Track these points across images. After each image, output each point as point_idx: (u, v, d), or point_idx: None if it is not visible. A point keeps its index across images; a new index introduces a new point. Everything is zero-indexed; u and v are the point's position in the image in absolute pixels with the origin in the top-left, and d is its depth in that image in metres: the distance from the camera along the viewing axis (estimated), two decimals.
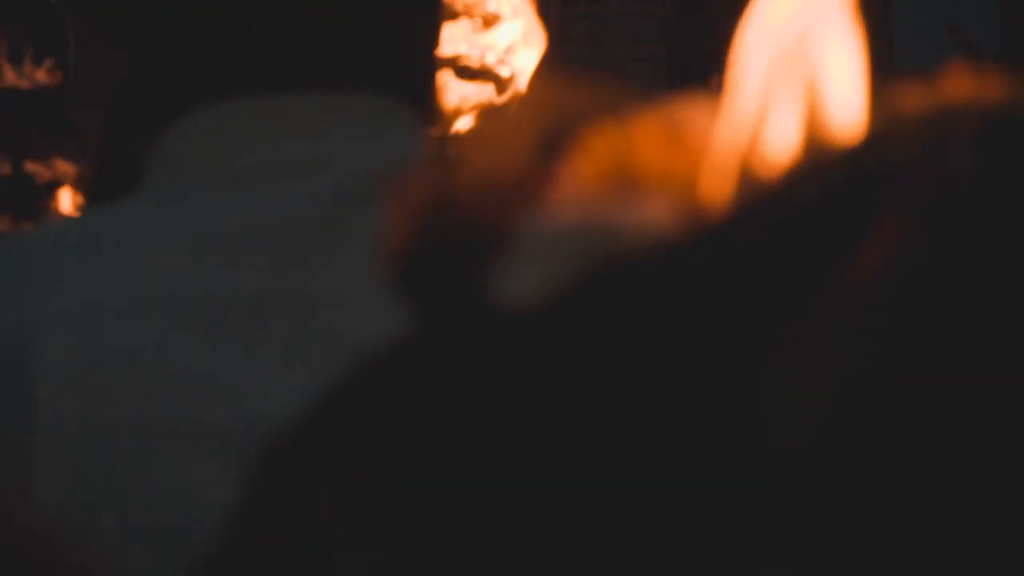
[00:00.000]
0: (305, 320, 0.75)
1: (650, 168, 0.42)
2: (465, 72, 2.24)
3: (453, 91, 2.31)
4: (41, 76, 2.96)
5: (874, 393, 0.33)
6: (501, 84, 2.29)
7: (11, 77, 2.96)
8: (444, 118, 2.36)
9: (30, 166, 2.89)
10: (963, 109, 0.35)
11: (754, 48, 0.42)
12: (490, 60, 2.20)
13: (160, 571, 0.66)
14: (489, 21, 2.17)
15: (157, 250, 0.75)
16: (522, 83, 2.40)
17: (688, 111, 0.44)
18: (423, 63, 0.92)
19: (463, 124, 2.25)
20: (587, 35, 6.18)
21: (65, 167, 2.89)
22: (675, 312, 0.35)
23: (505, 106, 2.55)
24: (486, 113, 2.38)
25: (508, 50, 2.22)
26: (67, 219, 0.91)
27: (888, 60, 3.76)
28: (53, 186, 2.84)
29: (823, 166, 0.36)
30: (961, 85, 0.39)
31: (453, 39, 2.30)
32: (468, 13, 2.16)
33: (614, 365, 0.35)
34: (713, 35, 5.64)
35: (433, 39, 0.93)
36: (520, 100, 2.59)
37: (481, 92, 2.28)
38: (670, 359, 0.35)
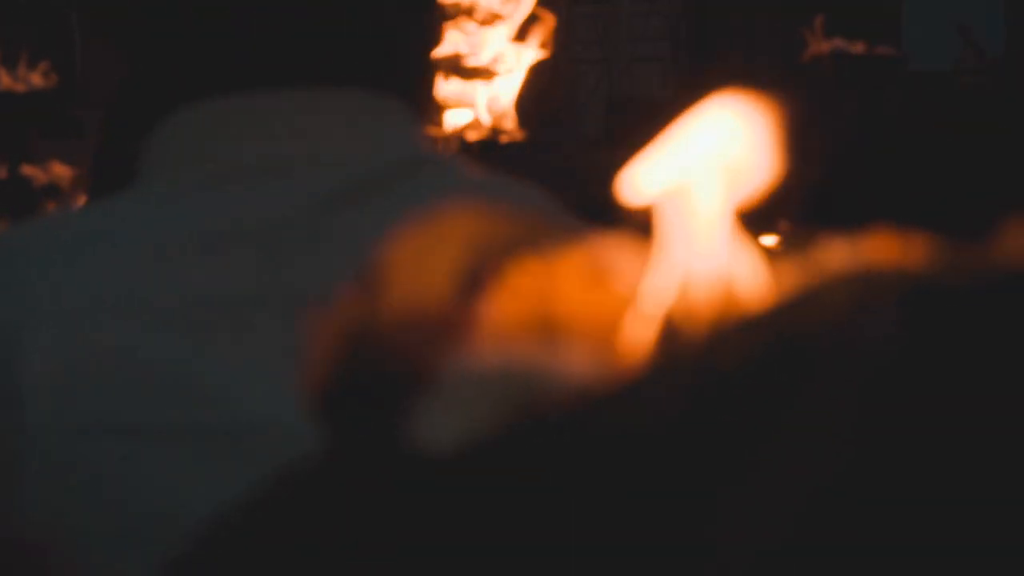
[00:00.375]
0: (293, 320, 0.75)
1: (571, 309, 0.42)
2: (464, 71, 2.24)
3: (451, 90, 2.31)
4: (36, 79, 2.97)
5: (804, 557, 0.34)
6: (498, 83, 2.29)
7: (6, 80, 2.96)
8: (442, 116, 2.36)
9: (27, 169, 2.90)
10: (887, 275, 0.36)
11: (677, 196, 0.42)
12: (488, 59, 2.21)
13: (143, 572, 0.66)
14: (487, 21, 2.17)
15: (147, 249, 0.75)
16: (518, 83, 2.40)
17: (611, 251, 0.44)
18: (420, 61, 0.91)
19: (460, 122, 2.26)
20: (594, 35, 6.17)
21: (61, 170, 2.90)
22: (588, 470, 0.35)
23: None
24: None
25: (506, 49, 2.22)
26: (57, 217, 0.91)
27: (896, 61, 3.74)
28: (49, 189, 2.84)
29: (748, 327, 0.36)
30: (884, 248, 0.39)
31: (452, 38, 2.30)
32: (467, 13, 2.16)
33: (521, 521, 0.35)
34: (720, 35, 5.63)
35: (430, 37, 0.93)
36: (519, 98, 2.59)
37: (479, 91, 2.28)
38: (581, 518, 0.35)
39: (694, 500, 0.34)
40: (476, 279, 0.43)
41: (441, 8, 0.95)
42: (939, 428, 0.34)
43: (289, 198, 0.79)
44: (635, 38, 6.08)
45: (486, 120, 2.24)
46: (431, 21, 0.92)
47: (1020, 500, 0.33)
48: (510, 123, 2.26)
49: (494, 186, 0.90)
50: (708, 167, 0.41)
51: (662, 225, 0.41)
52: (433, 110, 1.30)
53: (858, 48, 3.33)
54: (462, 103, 2.25)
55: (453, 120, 2.25)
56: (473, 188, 0.89)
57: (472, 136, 2.24)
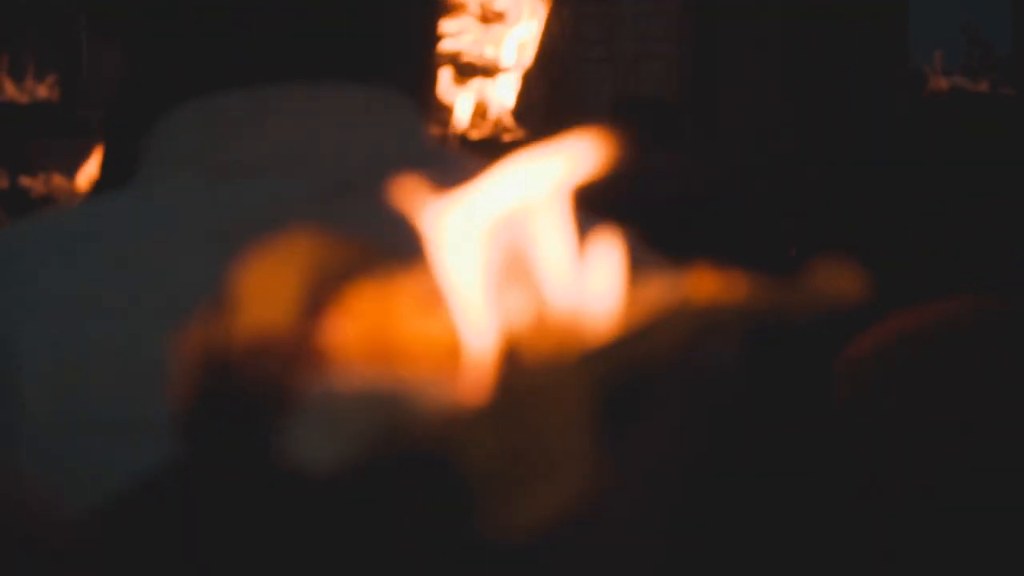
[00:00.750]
0: None
1: (407, 335, 0.43)
2: (466, 68, 2.23)
3: (453, 87, 2.31)
4: (42, 91, 2.98)
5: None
6: (501, 80, 2.29)
7: (11, 91, 2.97)
8: (444, 112, 2.36)
9: (25, 180, 2.90)
10: (722, 307, 0.38)
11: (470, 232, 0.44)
12: (491, 56, 2.20)
13: None
14: (490, 18, 2.16)
15: (146, 247, 0.74)
16: (520, 81, 2.40)
17: (449, 277, 0.45)
18: (422, 55, 0.91)
19: (463, 119, 2.25)
20: (600, 34, 6.17)
21: (60, 181, 2.90)
22: (453, 495, 0.37)
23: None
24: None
25: (509, 47, 2.21)
26: (56, 214, 0.91)
27: (903, 60, 3.74)
28: (48, 200, 2.85)
29: (593, 357, 0.38)
30: (706, 284, 0.41)
31: (454, 35, 2.30)
32: (470, 10, 2.15)
33: (384, 541, 0.37)
34: (726, 35, 5.63)
35: (432, 31, 0.92)
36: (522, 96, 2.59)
37: (481, 88, 2.28)
38: (448, 538, 0.37)
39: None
40: (316, 304, 0.43)
41: (443, 3, 0.94)
42: (776, 450, 0.39)
43: (289, 194, 0.78)
44: (641, 37, 6.08)
45: (488, 118, 2.23)
46: (433, 16, 0.92)
47: (838, 503, 0.36)
48: (512, 121, 2.26)
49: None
50: (553, 199, 0.43)
51: (498, 257, 0.43)
52: (435, 107, 1.29)
53: (981, 87, 3.23)
54: (464, 101, 2.24)
55: (454, 118, 2.25)
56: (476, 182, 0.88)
57: (474, 135, 2.24)
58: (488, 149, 2.27)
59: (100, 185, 0.93)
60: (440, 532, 0.37)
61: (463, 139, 2.18)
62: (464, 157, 0.91)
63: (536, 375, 0.40)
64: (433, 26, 0.92)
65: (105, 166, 0.96)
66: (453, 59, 2.22)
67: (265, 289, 0.45)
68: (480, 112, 2.24)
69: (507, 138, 2.24)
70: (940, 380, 0.81)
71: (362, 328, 0.43)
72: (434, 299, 0.44)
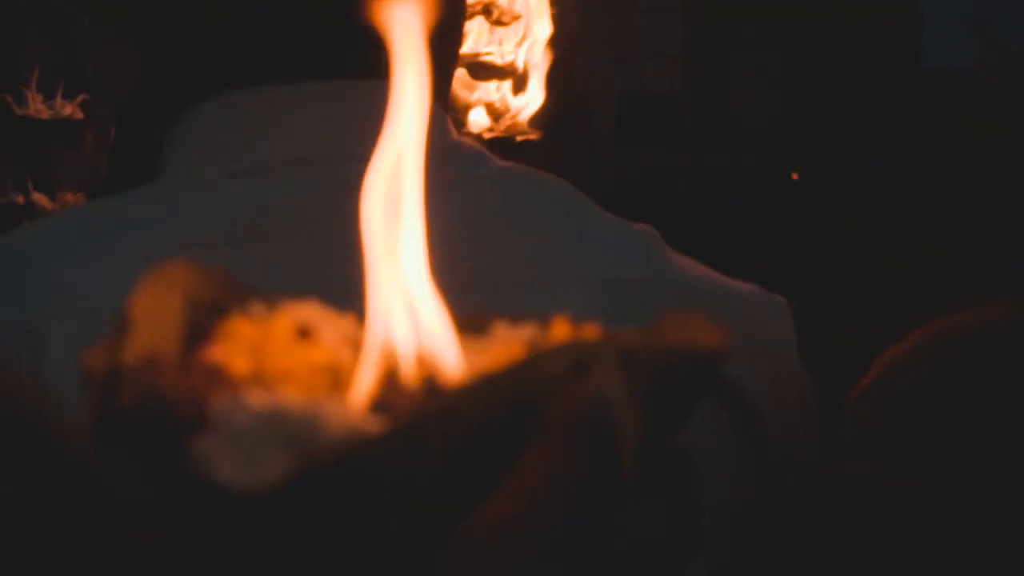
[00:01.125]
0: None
1: (280, 364, 0.46)
2: (480, 69, 2.23)
3: (467, 89, 2.30)
4: (67, 110, 2.97)
5: None
6: (516, 81, 2.28)
7: (35, 106, 2.96)
8: (458, 113, 2.36)
9: (36, 196, 2.90)
10: (597, 343, 0.42)
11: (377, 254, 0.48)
12: (506, 57, 2.19)
13: None
14: (503, 19, 2.15)
15: (171, 243, 0.74)
16: (536, 82, 2.39)
17: (318, 309, 0.48)
18: (443, 54, 0.90)
19: (478, 120, 2.25)
20: (606, 31, 6.16)
21: (73, 199, 2.90)
22: (365, 512, 0.40)
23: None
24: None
25: (522, 47, 2.21)
26: (80, 211, 0.90)
27: (916, 57, 3.74)
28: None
29: (481, 387, 0.40)
30: (559, 332, 0.47)
31: (468, 37, 2.29)
32: (483, 12, 2.15)
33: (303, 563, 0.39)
34: (730, 32, 5.63)
35: (454, 31, 0.92)
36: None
37: (495, 89, 2.27)
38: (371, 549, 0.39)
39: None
40: (196, 331, 0.46)
41: (464, 3, 0.94)
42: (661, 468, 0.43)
43: (313, 190, 0.78)
44: (647, 35, 6.08)
45: (502, 119, 2.22)
46: (455, 16, 0.91)
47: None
48: (527, 122, 2.26)
49: (520, 176, 0.89)
50: (410, 231, 0.48)
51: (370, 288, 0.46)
52: (451, 104, 1.29)
53: (995, 86, 3.17)
54: (477, 102, 2.24)
55: (468, 119, 2.24)
56: (499, 178, 0.88)
57: (487, 135, 2.23)
58: (502, 150, 2.27)
59: (114, 181, 0.93)
60: (351, 549, 0.39)
61: (479, 140, 2.18)
62: (485, 155, 0.91)
63: (431, 400, 0.43)
64: (455, 25, 0.91)
65: (119, 162, 0.95)
66: (466, 60, 2.21)
67: (149, 313, 0.46)
68: (494, 114, 2.23)
69: (520, 139, 2.24)
70: (977, 386, 0.81)
71: (237, 356, 0.45)
72: (315, 328, 0.47)
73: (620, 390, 0.41)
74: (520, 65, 2.20)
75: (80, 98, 3.02)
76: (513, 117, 2.19)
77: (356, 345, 0.48)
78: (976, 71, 3.19)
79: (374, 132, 0.85)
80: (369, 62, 0.82)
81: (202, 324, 0.48)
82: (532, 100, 2.22)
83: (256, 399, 0.42)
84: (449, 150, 0.86)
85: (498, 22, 2.18)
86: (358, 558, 0.40)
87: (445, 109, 0.91)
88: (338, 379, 0.46)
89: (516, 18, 2.17)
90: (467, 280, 0.72)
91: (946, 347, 0.81)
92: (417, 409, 0.41)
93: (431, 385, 0.45)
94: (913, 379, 0.82)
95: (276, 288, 0.79)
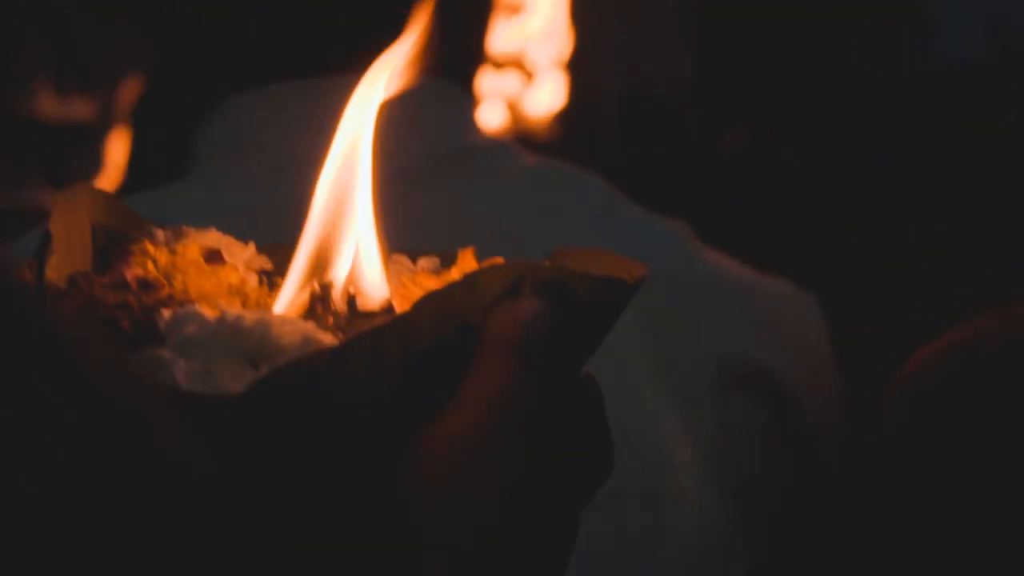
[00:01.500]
0: None
1: (194, 283, 0.48)
2: (496, 65, 2.23)
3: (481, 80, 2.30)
4: (73, 109, 2.96)
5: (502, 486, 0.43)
6: (527, 73, 2.28)
7: (39, 106, 2.95)
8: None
9: (41, 197, 2.90)
10: (522, 271, 0.45)
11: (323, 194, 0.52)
12: (516, 50, 2.19)
13: None
14: (515, 11, 2.15)
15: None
16: (548, 78, 2.40)
17: (221, 236, 0.52)
18: (472, 47, 0.91)
19: (491, 114, 2.25)
20: (609, 29, 6.16)
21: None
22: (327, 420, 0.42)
23: None
24: None
25: (533, 40, 2.21)
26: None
27: (934, 52, 3.73)
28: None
29: (426, 305, 0.43)
30: (466, 265, 0.52)
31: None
32: (497, 3, 2.15)
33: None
34: (735, 29, 5.64)
35: (482, 25, 0.93)
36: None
37: (508, 81, 2.27)
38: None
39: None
40: (102, 254, 0.49)
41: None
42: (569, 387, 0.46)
43: (352, 185, 0.78)
44: (649, 32, 6.09)
45: (518, 116, 2.22)
46: (484, 11, 0.91)
47: None
48: (544, 120, 2.26)
49: (552, 171, 0.90)
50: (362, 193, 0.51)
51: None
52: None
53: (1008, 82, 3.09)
54: (490, 97, 2.24)
55: (482, 115, 2.25)
56: (532, 173, 0.88)
57: (503, 134, 2.24)
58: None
59: (134, 177, 0.92)
60: (311, 456, 0.41)
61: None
62: (514, 150, 0.92)
63: (378, 314, 0.47)
64: (482, 18, 0.92)
65: (149, 158, 0.95)
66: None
67: (65, 238, 0.48)
68: (511, 111, 2.23)
69: (537, 137, 2.24)
70: (998, 393, 0.81)
71: (157, 275, 0.48)
72: (220, 253, 0.50)
73: (549, 311, 0.44)
74: (538, 61, 2.20)
75: (84, 97, 3.02)
76: (528, 114, 2.19)
77: (259, 269, 0.52)
78: (986, 68, 3.19)
79: (412, 126, 0.86)
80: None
81: (106, 248, 0.50)
82: (552, 98, 2.22)
83: (207, 311, 0.44)
84: (474, 148, 0.86)
85: (507, 17, 2.19)
86: (319, 466, 0.41)
87: (471, 107, 0.90)
88: (247, 301, 0.49)
89: (523, 12, 2.18)
90: None
91: (990, 347, 0.82)
92: (375, 325, 0.43)
93: (355, 304, 0.48)
94: (955, 378, 0.82)
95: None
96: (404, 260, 0.54)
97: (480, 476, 0.42)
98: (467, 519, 0.42)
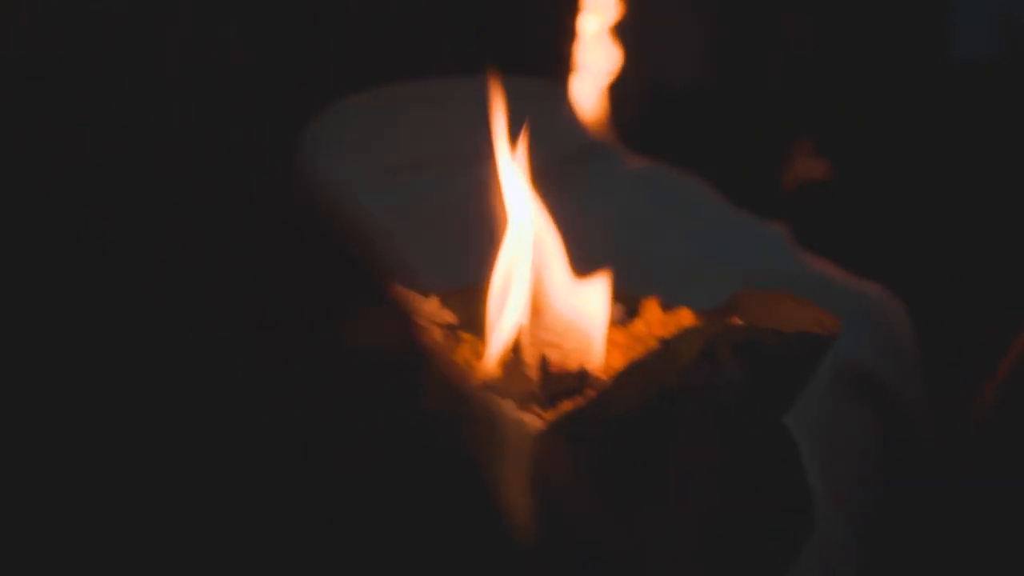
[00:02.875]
0: None
1: None
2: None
3: None
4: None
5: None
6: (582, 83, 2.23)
7: None
8: None
9: None
10: (717, 333, 0.46)
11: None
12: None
13: None
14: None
15: None
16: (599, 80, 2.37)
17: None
18: (566, 48, 0.91)
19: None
20: (630, 24, 6.15)
21: None
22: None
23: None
24: None
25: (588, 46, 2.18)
26: None
27: (945, 51, 3.72)
28: None
29: (631, 373, 0.45)
30: (653, 317, 0.52)
31: None
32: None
33: None
34: (756, 24, 5.62)
35: (572, 24, 0.92)
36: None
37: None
38: None
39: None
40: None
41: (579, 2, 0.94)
42: (772, 444, 0.47)
43: (466, 188, 0.78)
44: (670, 29, 6.07)
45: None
46: (572, 10, 0.93)
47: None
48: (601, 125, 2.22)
49: (662, 175, 0.91)
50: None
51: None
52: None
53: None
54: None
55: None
56: (642, 177, 0.90)
57: None
58: None
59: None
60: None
61: None
62: (620, 155, 0.91)
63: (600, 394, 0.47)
64: (572, 18, 0.92)
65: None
66: None
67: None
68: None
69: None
70: None
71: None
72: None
73: (741, 375, 0.45)
74: (586, 66, 2.18)
75: None
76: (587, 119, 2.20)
77: (444, 324, 0.54)
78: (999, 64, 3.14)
79: (532, 127, 0.84)
80: (514, 59, 0.83)
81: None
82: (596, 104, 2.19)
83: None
84: (586, 152, 0.87)
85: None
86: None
87: (573, 109, 0.90)
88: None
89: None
90: (622, 275, 0.76)
91: None
92: (599, 392, 0.45)
93: (583, 372, 0.50)
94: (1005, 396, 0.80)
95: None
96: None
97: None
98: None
